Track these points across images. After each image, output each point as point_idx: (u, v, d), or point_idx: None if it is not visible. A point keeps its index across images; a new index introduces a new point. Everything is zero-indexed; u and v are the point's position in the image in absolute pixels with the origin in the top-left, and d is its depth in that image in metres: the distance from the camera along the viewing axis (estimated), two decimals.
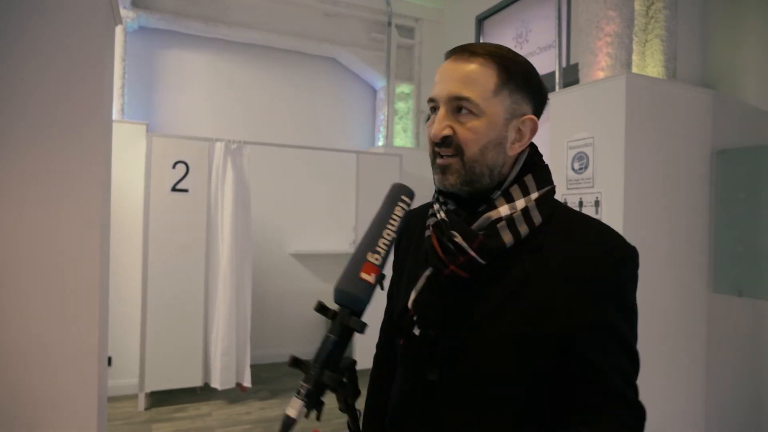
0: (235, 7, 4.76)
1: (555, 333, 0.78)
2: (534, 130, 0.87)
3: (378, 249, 0.77)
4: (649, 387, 2.53)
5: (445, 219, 0.85)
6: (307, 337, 5.17)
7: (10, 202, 1.63)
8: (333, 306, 0.76)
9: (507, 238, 0.81)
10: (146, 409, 3.83)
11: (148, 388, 3.84)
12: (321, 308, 0.75)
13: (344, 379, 0.74)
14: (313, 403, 0.72)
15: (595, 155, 2.73)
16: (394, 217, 0.81)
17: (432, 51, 5.50)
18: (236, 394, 4.19)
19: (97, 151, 1.71)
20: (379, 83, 5.51)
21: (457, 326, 0.83)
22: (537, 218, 0.82)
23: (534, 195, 0.84)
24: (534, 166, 0.88)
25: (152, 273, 3.82)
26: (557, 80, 3.06)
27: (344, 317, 0.73)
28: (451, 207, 0.87)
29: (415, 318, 0.86)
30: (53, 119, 1.65)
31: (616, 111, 2.61)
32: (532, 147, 0.91)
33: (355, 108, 5.60)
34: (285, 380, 4.59)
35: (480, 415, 0.81)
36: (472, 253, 0.81)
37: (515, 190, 0.84)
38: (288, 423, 0.71)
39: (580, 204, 2.80)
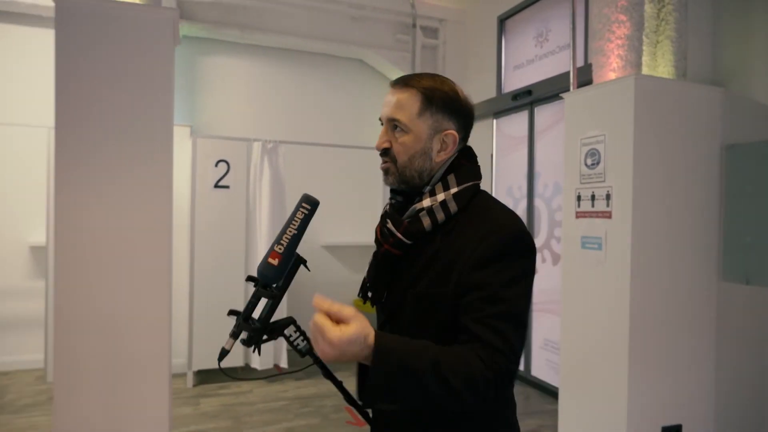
0: (268, 15, 5.06)
1: (451, 291, 1.03)
2: (455, 142, 1.12)
3: (282, 242, 1.08)
4: (660, 371, 2.73)
5: (387, 210, 1.15)
6: None
7: (98, 196, 1.95)
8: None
9: (426, 223, 1.07)
10: (194, 386, 4.19)
11: (195, 367, 4.20)
12: (251, 279, 1.12)
13: (253, 330, 1.10)
14: (234, 337, 1.11)
15: (606, 152, 2.93)
16: (296, 219, 1.10)
17: (455, 50, 5.71)
18: (273, 373, 4.53)
19: (165, 154, 2.02)
20: None
21: (395, 290, 1.12)
22: (453, 207, 1.08)
23: (453, 190, 1.09)
24: (459, 167, 1.13)
25: (198, 262, 4.17)
26: (571, 81, 3.25)
27: (258, 284, 1.10)
28: (399, 200, 1.16)
29: (368, 285, 1.17)
30: (132, 126, 1.96)
31: (626, 110, 2.80)
32: (462, 152, 1.16)
33: (377, 106, 5.85)
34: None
35: None
36: (399, 235, 1.09)
37: (438, 187, 1.10)
38: (223, 352, 1.14)
39: (592, 197, 3.00)
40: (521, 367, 4.61)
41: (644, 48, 3.01)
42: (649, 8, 3.02)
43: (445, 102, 1.10)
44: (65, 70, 1.87)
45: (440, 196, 1.09)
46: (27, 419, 3.54)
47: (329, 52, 5.54)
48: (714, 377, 3.04)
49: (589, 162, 3.04)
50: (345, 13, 5.33)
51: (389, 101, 1.11)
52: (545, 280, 4.40)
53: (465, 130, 1.15)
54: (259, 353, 1.19)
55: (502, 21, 5.12)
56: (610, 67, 2.97)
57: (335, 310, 0.91)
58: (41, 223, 4.59)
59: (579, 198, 3.10)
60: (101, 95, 1.93)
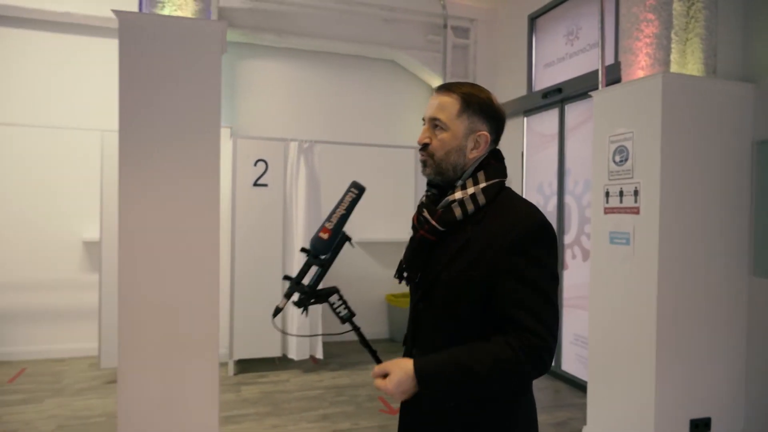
0: (303, 20, 5.25)
1: (483, 276, 1.16)
2: (487, 142, 1.25)
3: (332, 219, 1.27)
4: (689, 365, 2.77)
5: (423, 201, 1.30)
6: (371, 318, 5.64)
7: (156, 193, 2.15)
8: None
9: (457, 213, 1.21)
10: (235, 374, 4.42)
11: (236, 357, 4.43)
12: (304, 250, 1.29)
13: (303, 294, 1.27)
14: (287, 298, 1.29)
15: (634, 148, 2.98)
16: (345, 201, 1.28)
17: (486, 49, 5.78)
18: (309, 365, 4.72)
19: (213, 155, 2.20)
20: (436, 82, 5.85)
21: (430, 272, 1.25)
22: (482, 200, 1.21)
23: (482, 185, 1.22)
24: (488, 165, 1.26)
25: (238, 256, 4.39)
26: (600, 79, 3.30)
27: (310, 254, 1.28)
28: (434, 192, 1.29)
29: (404, 266, 1.32)
30: (184, 129, 2.15)
31: (653, 107, 2.85)
32: (491, 153, 1.28)
33: (413, 106, 5.98)
34: (352, 355, 5.07)
35: (442, 325, 1.24)
36: (433, 223, 1.23)
37: (469, 182, 1.23)
38: (276, 310, 1.29)
39: (621, 193, 3.06)
40: (552, 362, 4.66)
41: (674, 46, 3.04)
42: (678, 6, 3.05)
43: (480, 107, 1.25)
44: (127, 79, 2.07)
45: (470, 190, 1.22)
46: (83, 401, 3.82)
47: (362, 54, 5.70)
48: (744, 372, 3.05)
49: (617, 159, 3.10)
50: (377, 15, 5.48)
51: (433, 104, 1.27)
52: (575, 276, 4.44)
53: (496, 133, 1.28)
54: (306, 315, 1.33)
55: (533, 19, 5.17)
56: (639, 66, 3.02)
57: (379, 372, 1.18)
58: (93, 219, 4.90)
59: (607, 194, 3.16)
60: (158, 101, 2.12)
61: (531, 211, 1.21)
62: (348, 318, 1.31)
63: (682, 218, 2.88)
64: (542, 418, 3.65)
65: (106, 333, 4.21)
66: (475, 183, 1.23)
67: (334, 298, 1.29)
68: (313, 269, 1.29)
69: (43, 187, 4.87)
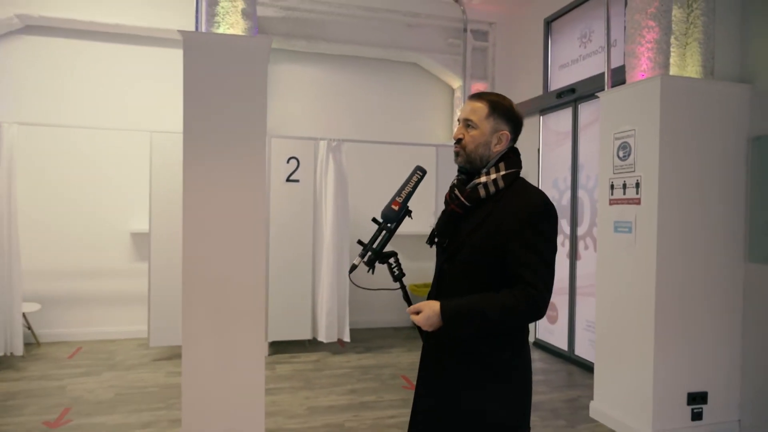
0: (332, 26, 5.62)
1: (499, 243, 1.49)
2: (508, 140, 1.58)
3: (401, 195, 1.62)
4: (685, 343, 3.05)
5: (455, 183, 1.64)
6: (395, 308, 5.98)
7: (214, 188, 2.53)
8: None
9: (482, 192, 1.54)
10: (269, 355, 4.81)
11: (271, 338, 4.82)
12: (374, 220, 1.62)
13: (372, 255, 1.60)
14: (361, 257, 1.62)
15: (636, 144, 3.25)
16: (412, 180, 1.63)
17: (504, 52, 6.06)
18: (337, 348, 5.10)
19: (261, 154, 2.57)
20: (456, 83, 6.16)
21: (456, 239, 1.59)
22: (501, 184, 1.54)
23: (502, 173, 1.55)
24: (508, 158, 1.59)
25: (273, 245, 4.78)
26: (606, 81, 3.58)
27: (380, 224, 1.61)
28: (464, 177, 1.63)
29: (435, 233, 1.66)
30: (238, 131, 2.52)
31: (653, 107, 3.12)
32: (511, 149, 1.62)
33: (435, 106, 6.30)
34: (377, 340, 5.43)
35: (465, 284, 1.56)
36: (462, 199, 1.56)
37: (492, 170, 1.57)
38: (352, 267, 1.63)
39: (624, 186, 3.33)
40: (566, 347, 4.94)
41: (674, 50, 3.30)
42: (678, 13, 3.31)
43: (504, 112, 1.59)
44: (190, 89, 2.44)
45: (493, 176, 1.56)
46: (136, 375, 4.26)
47: (387, 57, 6.04)
48: (740, 349, 3.30)
49: (621, 154, 3.37)
50: (401, 21, 5.81)
51: (466, 108, 1.61)
52: (587, 266, 4.70)
53: (515, 133, 1.62)
54: (373, 272, 1.66)
55: (549, 23, 5.43)
56: (641, 68, 3.29)
57: (413, 310, 1.55)
58: (140, 212, 5.36)
59: (612, 187, 3.44)
60: (215, 107, 2.49)
61: (539, 194, 1.55)
62: (400, 277, 1.66)
63: (680, 208, 3.14)
64: (554, 395, 3.96)
65: (154, 316, 4.65)
66: (497, 171, 1.56)
67: (392, 259, 1.64)
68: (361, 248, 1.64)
69: (96, 183, 5.34)
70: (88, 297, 5.35)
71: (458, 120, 1.63)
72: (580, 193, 4.84)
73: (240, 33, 2.56)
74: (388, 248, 1.64)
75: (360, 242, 1.64)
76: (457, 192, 1.60)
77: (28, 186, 5.04)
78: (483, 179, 1.56)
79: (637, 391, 3.22)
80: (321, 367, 4.54)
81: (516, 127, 1.61)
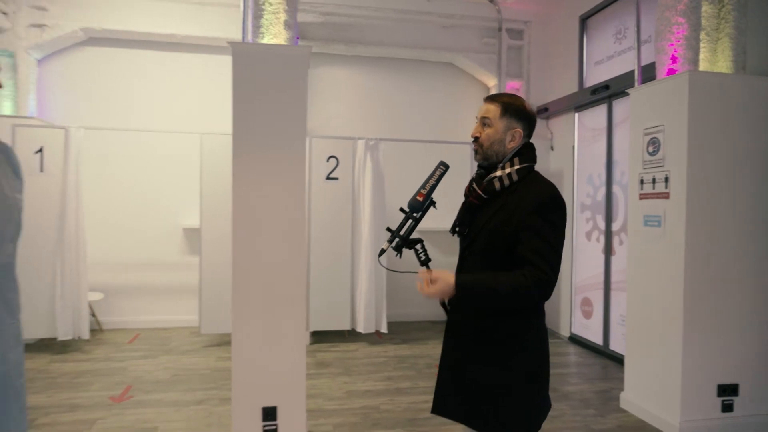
0: (369, 30, 5.84)
1: (512, 230, 1.65)
2: (521, 137, 1.73)
3: (426, 187, 1.75)
4: (715, 336, 3.11)
5: (474, 177, 1.80)
6: (432, 302, 6.14)
7: (260, 186, 2.77)
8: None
9: (497, 185, 1.70)
10: (310, 344, 5.07)
11: (311, 328, 5.08)
12: (402, 210, 1.78)
13: (399, 241, 1.76)
14: (389, 242, 1.77)
15: (665, 140, 3.31)
16: (435, 174, 1.77)
17: (539, 50, 6.12)
18: (375, 339, 5.31)
19: (301, 154, 2.79)
20: (492, 81, 6.26)
21: (474, 228, 1.76)
22: (515, 177, 1.69)
23: (516, 167, 1.71)
24: (522, 154, 1.74)
25: (313, 240, 5.04)
26: (636, 77, 3.63)
27: (407, 213, 1.76)
28: (482, 171, 1.79)
29: (457, 223, 1.84)
30: (279, 133, 2.75)
31: (681, 102, 3.17)
32: (525, 145, 1.76)
33: (470, 104, 6.42)
34: (414, 332, 5.61)
35: (482, 268, 1.72)
36: (479, 192, 1.73)
37: (507, 164, 1.72)
38: (381, 252, 1.79)
39: (653, 180, 3.39)
40: (600, 341, 4.98)
41: (704, 45, 3.34)
42: (709, 9, 3.34)
43: (516, 111, 1.74)
44: (239, 94, 2.69)
45: (507, 170, 1.72)
46: (189, 359, 4.60)
47: (422, 58, 6.21)
48: None
49: (650, 149, 3.43)
50: (437, 22, 5.97)
51: (482, 108, 1.78)
52: (622, 261, 4.73)
53: (529, 130, 1.78)
54: (400, 256, 1.86)
55: (584, 20, 5.47)
56: (670, 65, 3.34)
57: (428, 277, 1.69)
58: (190, 209, 5.73)
59: (642, 182, 3.50)
60: (261, 111, 2.74)
61: (548, 186, 1.70)
62: (426, 262, 1.83)
63: (709, 201, 3.18)
64: (585, 387, 4.04)
65: (205, 305, 4.98)
66: (512, 165, 1.72)
67: (419, 246, 1.82)
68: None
69: (151, 181, 5.75)
70: (145, 288, 5.77)
71: (476, 118, 1.80)
72: (615, 188, 4.87)
73: (283, 42, 2.80)
74: (414, 236, 1.82)
75: (389, 229, 1.83)
76: (474, 185, 1.78)
77: (92, 185, 5.48)
78: (498, 173, 1.72)
79: (666, 382, 3.28)
80: (359, 356, 4.76)
81: (529, 125, 1.75)
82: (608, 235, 4.92)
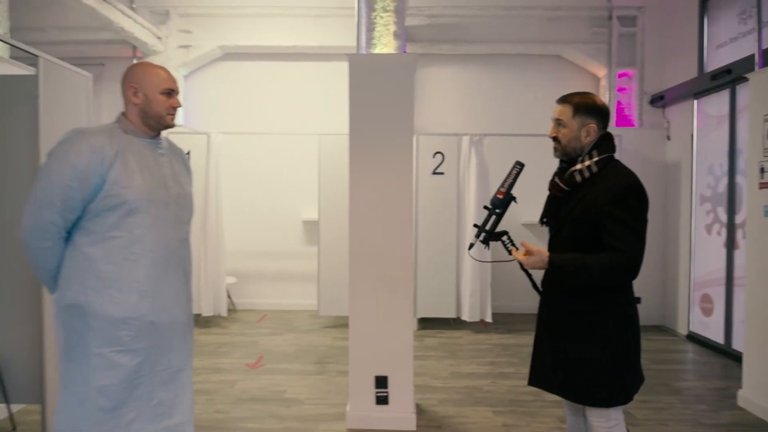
0: (474, 28, 6.00)
1: (594, 218, 1.78)
2: (595, 131, 1.88)
3: (504, 186, 1.99)
4: None
5: (557, 171, 1.96)
6: (537, 295, 6.16)
7: (373, 182, 3.11)
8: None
9: (578, 178, 1.86)
10: (417, 330, 5.39)
11: (419, 315, 5.39)
12: (485, 207, 2.00)
13: (485, 235, 1.99)
14: (477, 236, 2.03)
15: None
16: (512, 173, 2.00)
17: (654, 35, 5.87)
18: (479, 328, 5.49)
19: (409, 150, 3.09)
20: (602, 71, 6.12)
21: (559, 218, 1.92)
22: (594, 169, 1.84)
23: (594, 159, 1.85)
24: (599, 146, 1.87)
25: (420, 231, 5.34)
26: (756, 61, 3.44)
27: (490, 210, 1.98)
28: (564, 166, 1.95)
29: (543, 214, 2.02)
30: (388, 134, 3.07)
31: None
32: (601, 137, 1.89)
33: None
34: (518, 324, 5.70)
35: (567, 250, 1.87)
36: (561, 185, 1.90)
37: (586, 158, 1.87)
38: (470, 246, 2.10)
39: None
40: (721, 340, 4.73)
41: None
42: None
43: (587, 109, 1.91)
44: (355, 98, 3.05)
45: (587, 163, 1.88)
46: (310, 337, 5.13)
47: (527, 52, 6.24)
48: None
49: None
50: (542, 16, 5.97)
51: (555, 110, 1.96)
52: (745, 255, 4.45)
53: (603, 123, 1.92)
54: (488, 248, 2.10)
55: (704, 1, 5.17)
56: None
57: (530, 249, 1.88)
58: (309, 203, 6.30)
59: (762, 170, 3.34)
60: (373, 114, 3.07)
61: (627, 174, 1.84)
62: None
63: None
64: (700, 383, 3.93)
65: (322, 290, 5.49)
66: (590, 158, 1.88)
67: (505, 237, 2.04)
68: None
69: (273, 178, 6.42)
70: (271, 274, 6.46)
71: (551, 120, 1.96)
72: (739, 178, 4.58)
73: (392, 51, 3.11)
74: (499, 229, 2.03)
75: (476, 225, 2.07)
76: (556, 179, 1.95)
77: (229, 183, 6.26)
78: (578, 166, 1.88)
79: None
80: (464, 342, 4.99)
81: (602, 119, 1.90)
82: (731, 227, 4.64)
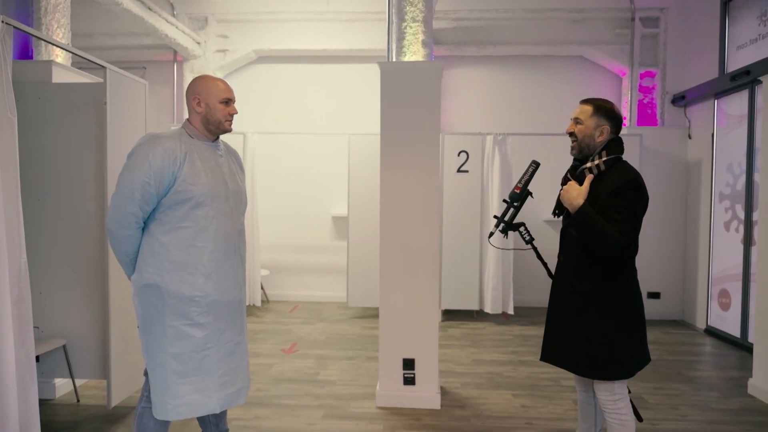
0: (499, 30, 6.20)
1: (598, 209, 2.01)
2: (608, 132, 2.11)
3: (521, 182, 2.27)
4: None
5: (569, 169, 2.20)
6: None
7: (401, 180, 3.38)
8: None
9: (587, 174, 2.09)
10: (442, 321, 5.64)
11: (443, 307, 5.64)
12: (504, 200, 2.28)
13: (504, 225, 2.26)
14: (496, 227, 2.34)
15: None
16: (529, 170, 2.26)
17: (676, 36, 5.98)
18: (501, 320, 5.71)
19: (435, 149, 3.34)
20: (624, 72, 6.24)
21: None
22: (602, 167, 2.08)
23: (603, 158, 2.08)
24: (609, 147, 2.10)
25: (445, 227, 5.58)
26: None
27: (508, 203, 2.27)
28: (577, 163, 2.18)
29: (556, 206, 2.25)
30: (417, 134, 3.32)
31: None
32: (613, 139, 2.12)
33: (602, 96, 6.45)
34: (540, 317, 5.89)
35: (577, 240, 2.10)
36: (573, 181, 2.13)
37: (596, 157, 2.10)
38: (490, 235, 2.41)
39: None
40: (738, 334, 4.85)
41: None
42: None
43: (606, 112, 2.15)
44: (386, 102, 3.31)
45: (596, 161, 2.13)
46: (339, 326, 5.43)
47: (551, 53, 6.41)
48: None
49: None
50: (566, 17, 6.13)
51: (577, 109, 2.20)
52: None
53: (616, 128, 2.16)
54: (506, 237, 2.34)
55: (726, 3, 5.27)
56: None
57: (573, 187, 2.09)
58: (339, 200, 6.60)
59: None
60: (402, 116, 3.33)
61: (629, 171, 2.07)
62: (530, 241, 2.29)
63: None
64: (714, 373, 4.09)
65: (351, 283, 5.78)
66: (600, 158, 2.12)
67: (522, 228, 2.30)
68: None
69: (305, 176, 6.74)
70: (302, 267, 6.79)
71: (571, 119, 2.20)
72: (756, 177, 4.70)
73: (420, 59, 3.36)
74: (517, 220, 2.28)
75: (495, 216, 2.33)
76: (569, 175, 2.20)
77: (263, 180, 6.60)
78: (589, 164, 2.12)
79: None
80: (486, 333, 5.22)
81: (616, 124, 2.14)
82: (748, 224, 4.77)
